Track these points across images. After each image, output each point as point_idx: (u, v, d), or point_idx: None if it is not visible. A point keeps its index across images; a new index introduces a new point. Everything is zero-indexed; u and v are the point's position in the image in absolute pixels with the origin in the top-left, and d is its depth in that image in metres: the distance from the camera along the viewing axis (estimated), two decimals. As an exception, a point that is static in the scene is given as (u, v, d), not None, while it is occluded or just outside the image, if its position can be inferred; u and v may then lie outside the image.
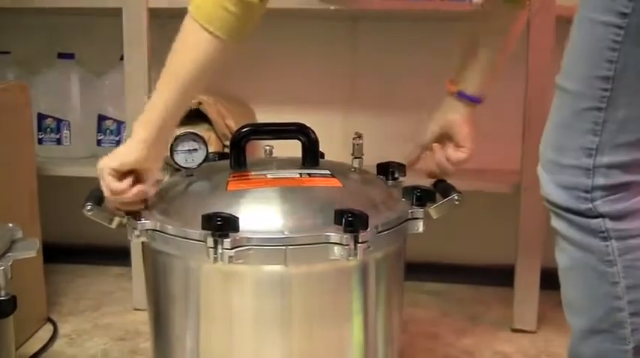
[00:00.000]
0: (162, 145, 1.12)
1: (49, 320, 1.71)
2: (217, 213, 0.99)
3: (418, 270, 1.85)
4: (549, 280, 1.64)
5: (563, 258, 1.02)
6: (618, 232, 0.97)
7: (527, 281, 1.66)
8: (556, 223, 1.02)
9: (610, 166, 0.95)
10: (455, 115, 1.29)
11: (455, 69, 1.32)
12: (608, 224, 0.96)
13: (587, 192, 0.96)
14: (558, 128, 0.99)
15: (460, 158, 1.29)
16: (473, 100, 1.30)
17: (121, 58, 1.69)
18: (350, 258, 0.99)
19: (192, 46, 1.06)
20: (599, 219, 0.97)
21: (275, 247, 1.00)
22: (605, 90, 0.93)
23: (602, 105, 0.93)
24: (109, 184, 1.07)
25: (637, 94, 0.93)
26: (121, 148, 1.10)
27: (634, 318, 0.98)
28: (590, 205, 0.96)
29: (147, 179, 1.10)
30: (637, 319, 0.98)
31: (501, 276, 1.80)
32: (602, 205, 0.96)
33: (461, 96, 1.30)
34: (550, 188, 0.99)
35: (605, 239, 0.97)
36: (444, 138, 1.32)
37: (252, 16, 1.06)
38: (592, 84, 0.94)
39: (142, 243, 1.10)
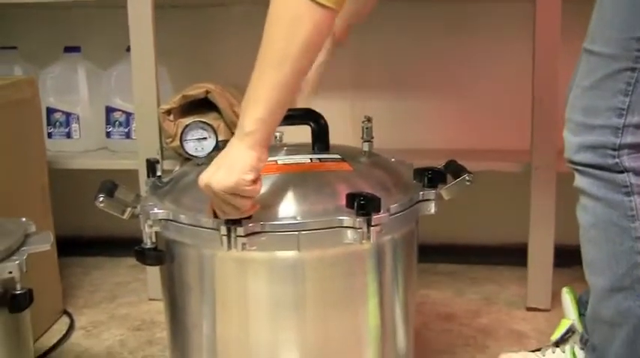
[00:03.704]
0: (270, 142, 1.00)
1: (65, 312, 1.72)
2: (229, 200, 0.98)
3: (431, 252, 1.85)
4: (562, 258, 1.65)
5: (586, 216, 1.03)
6: None
7: (540, 260, 1.66)
8: (580, 181, 1.03)
9: (638, 126, 0.97)
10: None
11: None
12: (632, 179, 0.98)
13: (614, 149, 0.98)
14: (588, 91, 1.00)
15: None
16: None
17: (127, 50, 1.69)
18: (363, 241, 0.99)
19: (301, 23, 0.93)
20: (624, 174, 0.99)
21: (288, 233, 1.00)
22: None
23: (636, 66, 0.96)
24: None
25: None
26: (235, 156, 0.96)
27: None
28: (617, 160, 0.98)
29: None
30: None
31: (515, 255, 1.80)
32: (628, 160, 0.98)
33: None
34: (576, 149, 1.01)
35: (628, 194, 0.99)
36: None
37: None
38: (627, 45, 0.95)
39: (155, 232, 1.10)
